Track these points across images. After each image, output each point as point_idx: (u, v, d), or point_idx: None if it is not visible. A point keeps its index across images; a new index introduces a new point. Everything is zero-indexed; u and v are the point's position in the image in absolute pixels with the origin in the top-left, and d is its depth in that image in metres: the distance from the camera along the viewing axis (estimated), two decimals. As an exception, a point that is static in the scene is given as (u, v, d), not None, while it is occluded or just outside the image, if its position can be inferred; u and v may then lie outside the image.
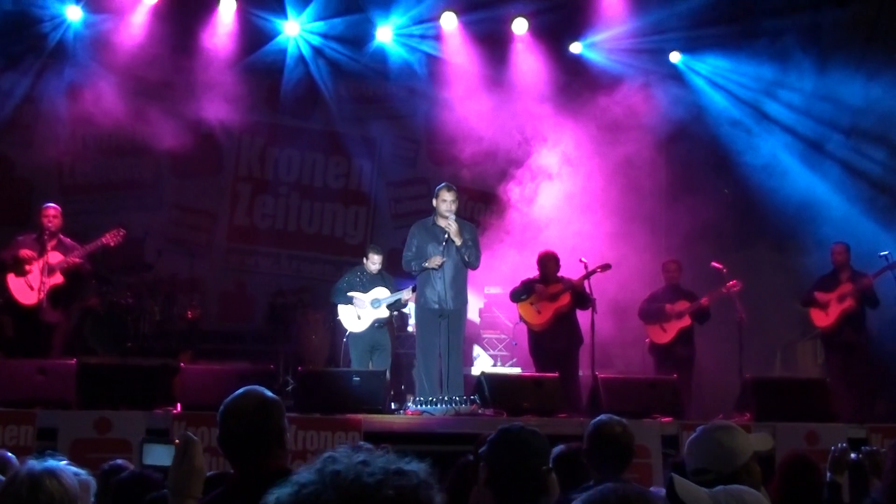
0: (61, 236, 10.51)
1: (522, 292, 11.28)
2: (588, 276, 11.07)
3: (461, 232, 9.75)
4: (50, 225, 10.36)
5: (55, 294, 10.32)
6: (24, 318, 10.28)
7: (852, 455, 5.11)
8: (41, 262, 10.20)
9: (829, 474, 5.26)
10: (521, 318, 11.46)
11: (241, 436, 3.48)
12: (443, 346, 9.80)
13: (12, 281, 10.24)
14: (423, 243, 9.96)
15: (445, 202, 9.79)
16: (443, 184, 10.14)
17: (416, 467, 1.67)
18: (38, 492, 3.17)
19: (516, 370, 12.53)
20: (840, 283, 11.20)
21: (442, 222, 9.88)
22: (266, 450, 3.51)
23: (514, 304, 11.57)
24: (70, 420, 8.01)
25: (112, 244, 10.57)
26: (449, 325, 9.82)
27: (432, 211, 10.10)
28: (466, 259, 9.90)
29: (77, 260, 10.38)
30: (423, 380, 9.82)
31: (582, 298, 11.12)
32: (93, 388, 8.84)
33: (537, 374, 10.77)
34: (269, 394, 3.63)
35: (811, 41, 13.17)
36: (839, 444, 5.16)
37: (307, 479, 1.65)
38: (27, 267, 10.20)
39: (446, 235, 9.75)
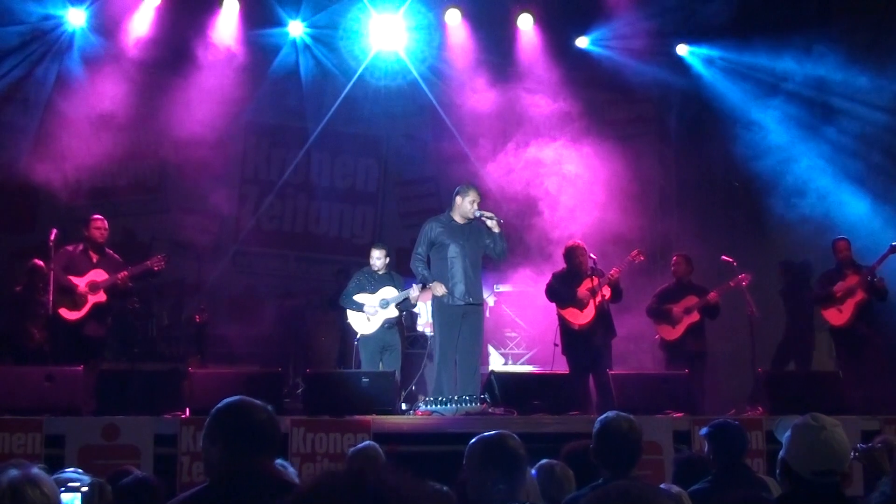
0: (108, 250, 10.62)
1: (566, 297, 10.99)
2: (626, 267, 11.04)
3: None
4: (99, 237, 10.53)
5: (98, 310, 10.46)
6: (67, 332, 10.30)
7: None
8: (87, 278, 10.35)
9: None
10: (562, 318, 11.07)
11: (265, 433, 3.57)
12: (461, 343, 9.78)
13: (57, 296, 10.21)
14: (444, 241, 9.87)
15: (474, 202, 9.81)
16: (468, 183, 10.17)
17: None
18: (21, 501, 3.15)
19: (528, 368, 12.51)
20: (846, 277, 11.13)
21: (472, 216, 9.83)
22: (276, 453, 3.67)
23: (550, 303, 11.26)
24: (77, 427, 8.01)
25: (156, 269, 10.70)
26: (470, 322, 9.81)
27: (443, 209, 10.07)
28: (502, 249, 9.87)
29: (119, 281, 10.47)
30: (441, 378, 9.75)
31: (618, 291, 11.06)
32: (101, 394, 8.85)
33: (549, 371, 10.72)
34: None
35: (819, 28, 13.08)
36: None
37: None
38: (78, 294, 10.30)
39: (489, 228, 9.70)
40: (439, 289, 9.75)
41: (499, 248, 9.86)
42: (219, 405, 3.64)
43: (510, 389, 9.47)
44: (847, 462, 4.00)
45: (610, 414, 4.83)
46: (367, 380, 9.27)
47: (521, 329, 13.25)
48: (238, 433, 3.53)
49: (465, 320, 9.80)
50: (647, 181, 14.52)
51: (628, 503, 2.19)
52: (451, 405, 9.21)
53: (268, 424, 3.59)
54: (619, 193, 13.49)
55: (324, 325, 12.99)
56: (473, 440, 4.18)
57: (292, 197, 15.04)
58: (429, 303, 12.41)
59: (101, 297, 10.41)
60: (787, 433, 4.09)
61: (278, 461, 4.34)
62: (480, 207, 9.94)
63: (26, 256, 11.33)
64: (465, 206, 9.84)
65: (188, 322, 12.91)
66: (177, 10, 13.33)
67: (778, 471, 4.16)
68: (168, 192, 14.48)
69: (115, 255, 10.70)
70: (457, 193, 9.97)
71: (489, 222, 9.68)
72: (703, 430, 5.83)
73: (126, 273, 10.50)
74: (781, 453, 4.10)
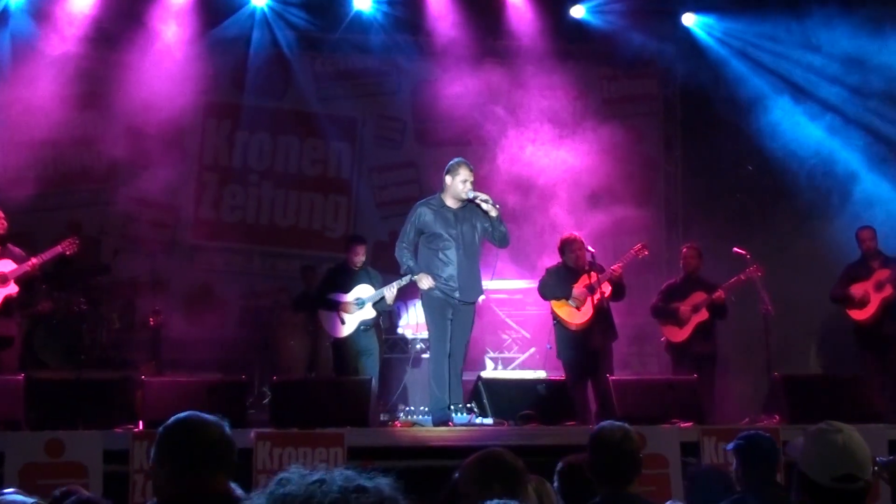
0: (9, 244, 10.51)
1: (560, 294, 10.96)
2: (628, 262, 11.03)
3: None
4: None
5: (8, 305, 10.27)
6: None
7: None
8: None
9: None
10: (557, 318, 11.03)
11: (217, 451, 3.57)
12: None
13: None
14: (434, 229, 9.51)
15: (466, 181, 9.41)
16: (458, 159, 9.68)
17: (379, 483, 1.65)
18: None
19: (520, 373, 12.51)
20: (873, 271, 11.11)
21: (465, 197, 9.43)
22: (233, 470, 3.63)
23: (546, 302, 11.21)
24: (18, 442, 7.94)
25: (68, 253, 10.58)
26: (459, 321, 9.51)
27: (420, 197, 9.96)
28: (501, 234, 9.54)
29: (29, 269, 10.27)
30: (441, 380, 9.38)
31: (620, 288, 11.05)
32: (44, 406, 8.83)
33: (542, 377, 10.71)
34: None
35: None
36: None
37: None
38: None
39: (488, 212, 9.39)
40: (425, 281, 9.40)
41: (497, 234, 9.51)
42: (166, 423, 3.66)
43: (500, 397, 9.47)
44: (869, 467, 4.01)
45: (603, 423, 4.83)
46: (341, 388, 9.25)
47: (512, 330, 13.23)
48: (187, 453, 3.54)
49: (454, 317, 9.50)
50: (652, 165, 14.53)
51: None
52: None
53: (220, 442, 3.59)
54: (621, 179, 13.50)
55: (292, 328, 12.94)
56: (468, 459, 4.18)
57: (256, 185, 14.97)
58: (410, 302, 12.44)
59: (13, 288, 10.23)
60: (800, 441, 4.11)
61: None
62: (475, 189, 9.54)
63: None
64: (455, 186, 9.42)
65: (141, 325, 12.85)
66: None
67: (794, 485, 4.17)
68: (117, 181, 14.35)
69: (17, 249, 10.58)
70: (446, 173, 9.55)
71: (484, 206, 9.35)
72: (731, 445, 5.80)
73: (36, 260, 10.32)
74: (797, 466, 4.11)
